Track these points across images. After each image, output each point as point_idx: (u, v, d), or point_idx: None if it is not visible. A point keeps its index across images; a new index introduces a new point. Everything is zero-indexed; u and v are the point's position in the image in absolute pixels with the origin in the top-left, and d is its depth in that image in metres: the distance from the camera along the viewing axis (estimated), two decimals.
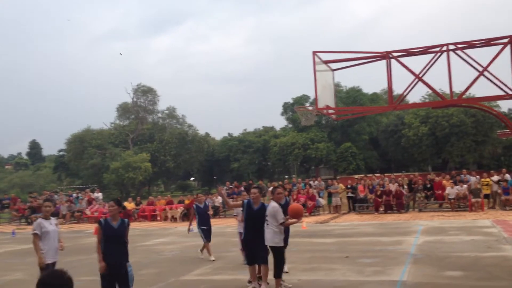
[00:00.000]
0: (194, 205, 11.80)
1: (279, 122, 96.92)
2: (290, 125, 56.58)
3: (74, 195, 28.22)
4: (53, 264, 6.95)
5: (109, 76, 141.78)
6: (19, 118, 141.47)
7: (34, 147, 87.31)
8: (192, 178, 63.28)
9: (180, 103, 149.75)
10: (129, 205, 25.46)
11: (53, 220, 7.26)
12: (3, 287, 9.26)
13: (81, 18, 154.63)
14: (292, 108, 55.00)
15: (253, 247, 7.75)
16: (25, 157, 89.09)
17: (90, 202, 26.40)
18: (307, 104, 46.21)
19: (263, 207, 7.78)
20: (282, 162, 51.13)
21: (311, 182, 25.35)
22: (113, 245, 6.11)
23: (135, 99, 55.03)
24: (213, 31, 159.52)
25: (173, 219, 23.45)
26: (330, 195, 23.12)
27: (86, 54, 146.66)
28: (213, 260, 10.90)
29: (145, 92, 55.09)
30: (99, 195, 28.25)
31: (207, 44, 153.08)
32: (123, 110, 55.58)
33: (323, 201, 23.25)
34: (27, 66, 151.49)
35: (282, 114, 58.14)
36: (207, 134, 60.70)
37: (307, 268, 9.69)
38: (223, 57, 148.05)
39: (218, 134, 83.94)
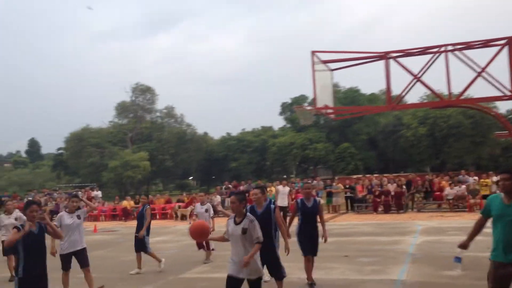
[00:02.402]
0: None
1: (278, 122, 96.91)
2: (288, 125, 56.66)
3: (71, 193, 28.26)
4: (74, 253, 7.85)
5: (107, 75, 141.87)
6: (18, 117, 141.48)
7: (33, 145, 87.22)
8: (190, 178, 63.29)
9: (179, 102, 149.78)
10: (128, 203, 25.51)
11: (78, 212, 8.09)
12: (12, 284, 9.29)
13: (80, 17, 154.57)
14: (290, 108, 55.07)
15: (266, 260, 6.46)
16: (24, 155, 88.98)
17: (89, 199, 26.43)
18: (306, 104, 46.27)
19: (268, 209, 6.90)
20: (281, 162, 51.20)
21: (309, 182, 25.41)
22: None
23: (133, 98, 55.06)
24: (212, 31, 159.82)
25: (184, 217, 23.30)
26: (329, 194, 23.18)
27: (85, 53, 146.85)
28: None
29: (144, 91, 55.13)
30: (98, 193, 28.31)
31: (206, 44, 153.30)
32: (122, 109, 55.59)
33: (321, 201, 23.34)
34: (25, 65, 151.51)
35: (280, 114, 58.24)
36: (205, 134, 60.77)
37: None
38: (221, 56, 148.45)
39: (216, 134, 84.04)
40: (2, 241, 9.88)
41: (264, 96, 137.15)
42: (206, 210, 11.12)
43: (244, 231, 5.30)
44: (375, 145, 51.48)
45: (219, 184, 34.73)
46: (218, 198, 25.42)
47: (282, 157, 50.05)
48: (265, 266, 6.58)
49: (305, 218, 7.92)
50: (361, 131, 49.78)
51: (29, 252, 5.81)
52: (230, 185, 28.09)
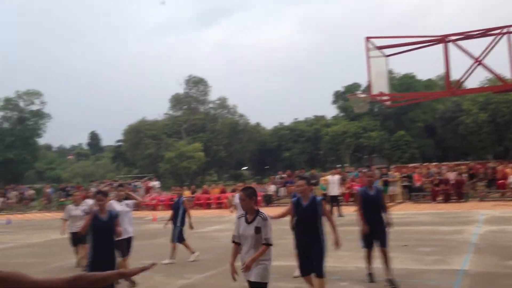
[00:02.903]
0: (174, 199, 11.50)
1: (330, 111, 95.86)
2: (341, 114, 55.90)
3: (133, 183, 29.29)
4: (121, 240, 7.67)
5: (163, 68, 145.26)
6: (79, 111, 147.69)
7: (94, 138, 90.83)
8: (244, 168, 63.88)
9: (231, 93, 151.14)
10: (185, 193, 26.14)
11: (126, 202, 8.44)
12: (72, 270, 9.79)
13: (136, 12, 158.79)
14: (343, 97, 54.21)
15: (308, 254, 6.33)
16: (86, 147, 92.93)
17: (147, 190, 27.33)
18: (359, 92, 45.43)
19: (314, 202, 6.37)
20: (334, 151, 50.65)
21: (365, 171, 25.04)
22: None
23: (187, 90, 56.08)
24: (263, 22, 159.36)
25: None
26: (385, 184, 22.75)
27: (141, 47, 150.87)
28: None
29: (197, 83, 56.00)
30: (156, 183, 29.17)
31: (257, 35, 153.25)
32: (176, 101, 56.76)
33: None
34: (85, 61, 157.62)
35: (333, 102, 57.51)
36: (258, 124, 61.04)
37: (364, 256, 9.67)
38: (273, 47, 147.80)
39: (269, 124, 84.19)
40: (70, 232, 10.24)
41: (317, 85, 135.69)
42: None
43: (258, 230, 4.78)
44: (432, 133, 49.82)
45: (273, 174, 34.90)
46: (272, 188, 25.59)
47: (335, 146, 49.50)
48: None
49: (367, 207, 7.54)
50: (418, 118, 48.30)
51: (98, 237, 6.15)
52: (284, 175, 28.17)
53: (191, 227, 10.77)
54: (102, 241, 6.18)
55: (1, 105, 50.12)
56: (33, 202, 32.52)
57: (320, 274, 6.18)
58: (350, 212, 18.80)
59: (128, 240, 8.15)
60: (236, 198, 11.66)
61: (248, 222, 4.90)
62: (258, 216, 4.89)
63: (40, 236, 16.08)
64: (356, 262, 9.12)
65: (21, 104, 50.72)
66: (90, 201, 10.31)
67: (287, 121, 60.26)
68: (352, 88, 52.48)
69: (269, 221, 4.91)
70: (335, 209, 18.05)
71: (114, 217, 6.35)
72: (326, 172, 25.53)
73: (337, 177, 18.99)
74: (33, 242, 14.88)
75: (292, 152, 53.15)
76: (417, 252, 9.56)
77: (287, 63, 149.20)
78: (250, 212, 4.95)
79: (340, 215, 17.79)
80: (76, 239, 9.93)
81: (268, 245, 4.85)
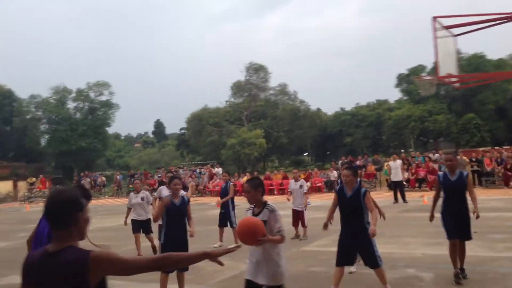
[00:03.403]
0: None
1: (394, 95, 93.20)
2: (405, 97, 54.21)
3: (197, 170, 30.13)
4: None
5: (224, 55, 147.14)
6: (145, 100, 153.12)
7: (159, 126, 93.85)
8: (305, 154, 63.76)
9: (292, 79, 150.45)
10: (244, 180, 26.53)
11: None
12: (143, 252, 10.30)
13: (196, 2, 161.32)
14: (407, 80, 52.46)
15: (351, 246, 6.21)
16: (151, 135, 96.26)
17: (211, 177, 28.00)
18: (424, 74, 43.76)
19: (358, 192, 6.16)
20: (398, 135, 49.33)
21: (430, 156, 24.30)
22: None
23: (247, 77, 56.49)
24: (324, 5, 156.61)
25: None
26: None
27: (203, 36, 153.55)
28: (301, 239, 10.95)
29: (257, 70, 56.21)
30: (219, 170, 29.82)
31: (318, 19, 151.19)
32: (237, 88, 57.34)
33: None
34: (148, 51, 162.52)
35: (396, 86, 55.85)
36: (319, 110, 60.53)
37: (431, 242, 9.48)
38: (334, 30, 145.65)
39: (330, 109, 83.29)
40: (131, 219, 10.38)
41: (379, 68, 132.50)
42: (301, 186, 11.42)
43: (264, 223, 4.34)
44: (504, 115, 47.24)
45: (334, 160, 34.61)
46: (334, 174, 25.43)
47: (398, 130, 48.18)
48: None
49: (449, 194, 6.89)
50: (488, 100, 45.91)
51: (171, 221, 6.49)
52: (346, 160, 27.86)
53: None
54: (175, 225, 6.50)
55: (73, 96, 52.86)
56: (105, 188, 34.30)
57: (375, 265, 6.06)
58: (414, 197, 18.37)
59: None
60: (292, 184, 11.79)
61: (255, 215, 4.58)
62: (265, 208, 4.59)
63: (112, 220, 16.97)
64: (422, 248, 8.97)
65: (92, 95, 53.24)
66: (146, 192, 10.77)
67: (349, 106, 59.36)
68: (416, 71, 50.64)
69: (277, 213, 4.57)
70: (398, 195, 17.70)
71: (186, 202, 6.66)
72: (390, 158, 25.04)
73: (399, 162, 18.57)
74: (106, 226, 15.73)
75: (354, 137, 52.37)
76: (488, 239, 9.24)
77: (348, 47, 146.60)
78: (258, 205, 4.65)
79: (404, 201, 17.44)
80: (136, 227, 10.22)
81: (283, 236, 4.47)
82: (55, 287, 2.17)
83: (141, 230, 10.23)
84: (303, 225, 11.27)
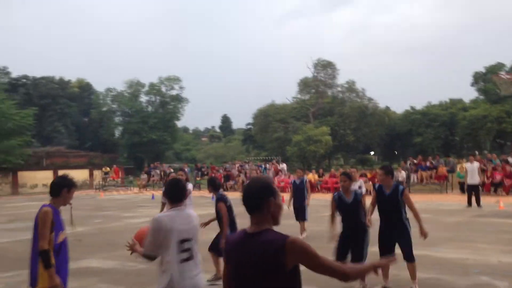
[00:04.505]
0: (291, 181, 12.15)
1: (468, 94, 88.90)
2: (481, 97, 51.55)
3: (262, 165, 30.38)
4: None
5: (293, 52, 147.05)
6: (213, 95, 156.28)
7: (226, 121, 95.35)
8: (371, 153, 62.40)
9: (360, 76, 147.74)
10: (313, 176, 26.42)
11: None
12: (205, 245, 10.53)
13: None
14: (484, 78, 49.88)
15: (389, 241, 6.44)
16: (218, 130, 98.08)
17: (277, 173, 28.13)
18: (503, 73, 41.35)
19: (396, 190, 6.40)
20: (472, 137, 46.97)
21: (508, 159, 22.97)
22: None
23: (315, 74, 56.07)
24: (397, 0, 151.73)
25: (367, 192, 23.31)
26: None
27: (273, 32, 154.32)
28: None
29: (325, 67, 55.66)
30: (283, 166, 29.92)
31: (391, 14, 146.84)
32: (304, 84, 57.11)
33: None
34: (218, 48, 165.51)
35: (472, 84, 53.26)
36: (387, 108, 58.97)
37: (507, 250, 9.01)
38: (406, 26, 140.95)
39: (399, 108, 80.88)
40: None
41: (453, 66, 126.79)
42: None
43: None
44: None
45: (402, 159, 33.59)
46: (403, 174, 24.72)
47: (473, 131, 45.86)
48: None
49: None
50: None
51: (345, 218, 6.73)
52: (415, 161, 27.00)
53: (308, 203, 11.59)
54: (348, 221, 6.56)
55: (146, 90, 54.99)
56: None
57: (410, 259, 6.35)
58: (489, 202, 17.46)
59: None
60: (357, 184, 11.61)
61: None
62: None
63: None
64: (498, 255, 8.54)
65: (163, 89, 55.12)
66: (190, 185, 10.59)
67: (419, 105, 57.31)
68: (495, 68, 48.01)
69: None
70: (473, 199, 16.88)
71: (358, 197, 6.66)
72: (462, 159, 23.94)
73: (476, 164, 17.59)
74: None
75: (424, 137, 50.54)
76: None
77: (420, 43, 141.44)
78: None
79: (479, 206, 16.61)
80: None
81: None
82: (254, 264, 2.36)
83: None
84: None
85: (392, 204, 6.35)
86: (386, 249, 6.31)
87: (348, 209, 6.52)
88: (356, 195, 6.57)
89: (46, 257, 4.14)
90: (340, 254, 6.43)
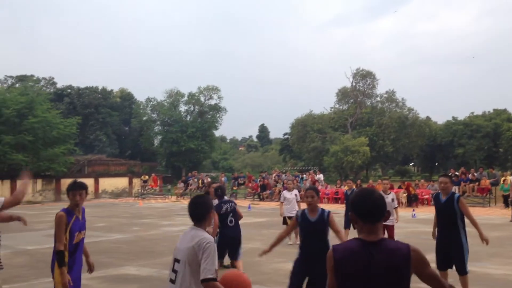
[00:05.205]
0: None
1: None
2: None
3: (299, 176, 30.27)
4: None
5: (330, 61, 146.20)
6: (251, 105, 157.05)
7: (263, 130, 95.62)
8: (411, 164, 61.12)
9: (401, 86, 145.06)
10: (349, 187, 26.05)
11: (294, 191, 12.27)
12: (246, 254, 10.57)
13: (308, 6, 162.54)
14: None
15: (446, 251, 6.43)
16: (255, 139, 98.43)
17: (314, 183, 27.93)
18: None
19: (451, 198, 6.43)
20: None
21: None
22: None
23: (354, 84, 55.57)
24: (441, 8, 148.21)
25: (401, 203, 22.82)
26: None
27: (310, 41, 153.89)
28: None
29: (364, 76, 55.05)
30: (320, 176, 29.69)
31: (434, 23, 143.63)
32: (343, 94, 56.65)
33: None
34: (257, 57, 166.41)
35: None
36: (428, 118, 57.69)
37: None
38: (450, 35, 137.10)
39: (440, 118, 78.97)
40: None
41: (498, 76, 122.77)
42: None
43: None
44: None
45: (443, 171, 32.73)
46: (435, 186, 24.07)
47: None
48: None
49: None
50: None
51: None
52: (456, 173, 26.26)
53: None
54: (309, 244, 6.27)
55: (185, 100, 55.88)
56: None
57: (463, 272, 6.22)
58: None
59: None
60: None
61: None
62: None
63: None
64: None
65: (202, 98, 55.86)
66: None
67: (461, 115, 55.75)
68: None
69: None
70: None
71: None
72: (506, 172, 23.13)
73: None
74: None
75: (466, 148, 49.10)
76: None
77: (462, 53, 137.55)
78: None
79: None
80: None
81: None
82: (384, 273, 2.38)
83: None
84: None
85: (448, 212, 6.36)
86: (442, 261, 6.35)
87: (310, 229, 5.35)
88: (323, 213, 5.40)
89: (60, 257, 4.69)
90: (293, 284, 5.28)
